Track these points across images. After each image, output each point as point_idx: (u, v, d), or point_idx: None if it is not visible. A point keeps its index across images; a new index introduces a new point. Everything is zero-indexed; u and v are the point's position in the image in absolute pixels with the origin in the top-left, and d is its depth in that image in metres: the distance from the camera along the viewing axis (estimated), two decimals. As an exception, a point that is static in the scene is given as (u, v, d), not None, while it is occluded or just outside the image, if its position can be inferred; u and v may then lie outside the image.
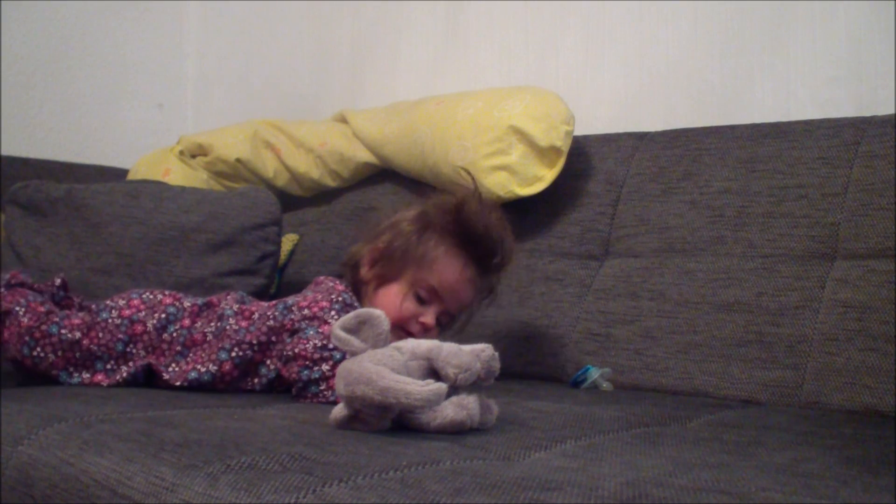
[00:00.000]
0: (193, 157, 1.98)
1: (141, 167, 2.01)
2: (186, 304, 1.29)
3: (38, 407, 1.02)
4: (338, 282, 1.33)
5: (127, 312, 1.26)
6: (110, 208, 1.64)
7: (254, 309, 1.27)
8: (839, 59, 1.54)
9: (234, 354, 1.22)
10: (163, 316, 1.26)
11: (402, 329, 1.31)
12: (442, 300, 1.34)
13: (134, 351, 1.25)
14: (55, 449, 0.90)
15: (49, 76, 2.27)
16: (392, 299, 1.33)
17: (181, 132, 2.14)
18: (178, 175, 1.93)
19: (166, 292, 1.31)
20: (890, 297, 1.22)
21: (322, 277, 1.35)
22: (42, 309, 1.24)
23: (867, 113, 1.44)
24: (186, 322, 1.26)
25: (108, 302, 1.29)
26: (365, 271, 1.37)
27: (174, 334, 1.25)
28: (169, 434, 0.88)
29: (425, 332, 1.32)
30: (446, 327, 1.38)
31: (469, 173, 1.43)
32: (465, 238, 1.34)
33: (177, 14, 2.52)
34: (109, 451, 0.86)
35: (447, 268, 1.33)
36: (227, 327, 1.24)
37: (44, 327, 1.22)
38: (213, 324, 1.26)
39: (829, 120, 1.42)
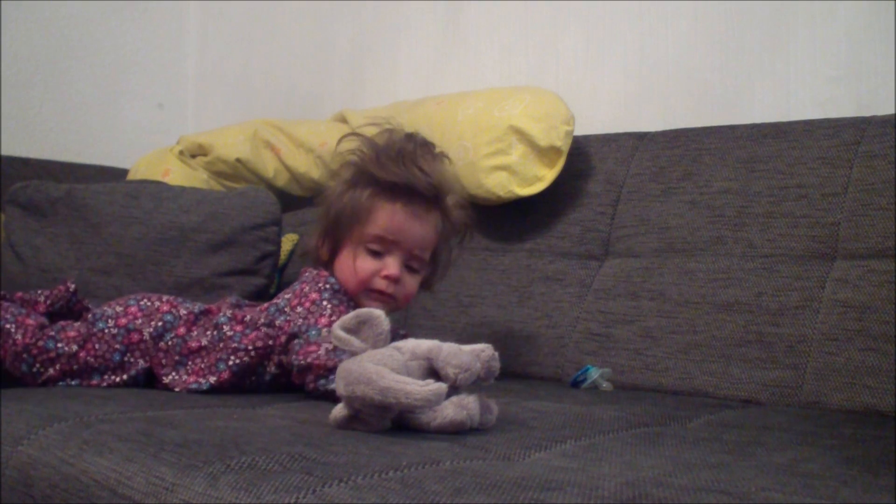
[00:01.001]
0: (193, 157, 1.98)
1: (141, 167, 2.01)
2: (182, 311, 1.27)
3: (38, 407, 1.02)
4: (321, 269, 1.32)
5: (123, 321, 1.25)
6: (110, 208, 1.64)
7: (246, 312, 1.27)
8: (839, 59, 1.53)
9: (231, 363, 1.22)
10: (159, 324, 1.25)
11: (369, 290, 1.28)
12: (398, 244, 1.28)
13: (132, 360, 1.24)
14: (55, 449, 0.90)
15: (49, 76, 2.27)
16: (347, 264, 1.28)
17: (181, 132, 2.14)
18: (178, 175, 1.92)
19: (164, 298, 1.29)
20: (890, 297, 1.22)
21: (305, 268, 1.34)
22: (31, 321, 1.22)
23: (867, 113, 1.44)
24: (182, 330, 1.25)
25: (105, 309, 1.27)
26: (321, 251, 1.34)
27: (170, 343, 1.24)
28: (169, 434, 0.88)
29: (394, 283, 1.27)
30: (424, 271, 1.34)
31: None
32: (393, 182, 1.28)
33: (177, 14, 2.52)
34: (109, 451, 0.86)
35: (384, 211, 1.28)
36: (223, 336, 1.24)
37: (40, 343, 1.20)
38: (209, 332, 1.24)
39: (829, 120, 1.42)
